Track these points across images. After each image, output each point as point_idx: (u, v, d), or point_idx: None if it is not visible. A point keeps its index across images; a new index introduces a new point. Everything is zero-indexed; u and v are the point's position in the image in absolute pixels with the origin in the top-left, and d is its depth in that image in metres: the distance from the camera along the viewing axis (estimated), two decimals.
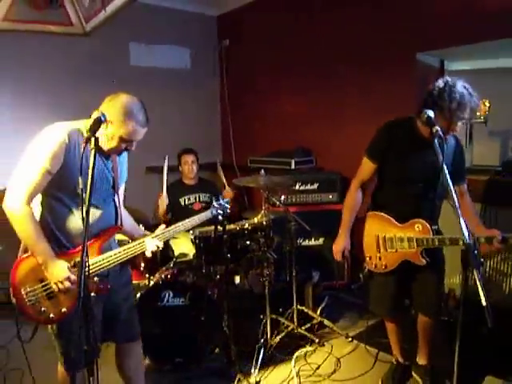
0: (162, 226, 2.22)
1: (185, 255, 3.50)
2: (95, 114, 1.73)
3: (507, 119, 3.65)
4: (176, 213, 3.92)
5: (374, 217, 2.57)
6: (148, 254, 2.15)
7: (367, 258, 2.59)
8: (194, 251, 3.31)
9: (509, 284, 3.23)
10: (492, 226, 3.15)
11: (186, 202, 4.05)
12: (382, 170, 2.54)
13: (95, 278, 1.97)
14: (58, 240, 1.95)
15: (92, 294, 1.89)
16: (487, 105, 3.41)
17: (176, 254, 3.54)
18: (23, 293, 1.92)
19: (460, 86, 2.20)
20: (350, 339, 3.36)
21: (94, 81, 4.58)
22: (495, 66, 3.78)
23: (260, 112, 5.31)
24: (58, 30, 3.10)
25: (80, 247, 1.84)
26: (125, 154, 2.20)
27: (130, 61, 5.08)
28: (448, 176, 1.77)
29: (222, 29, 5.73)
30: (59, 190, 1.90)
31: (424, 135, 2.31)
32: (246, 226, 3.33)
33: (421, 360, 2.79)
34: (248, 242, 3.30)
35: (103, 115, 1.74)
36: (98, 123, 1.70)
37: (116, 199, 2.14)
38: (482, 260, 1.60)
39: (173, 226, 2.26)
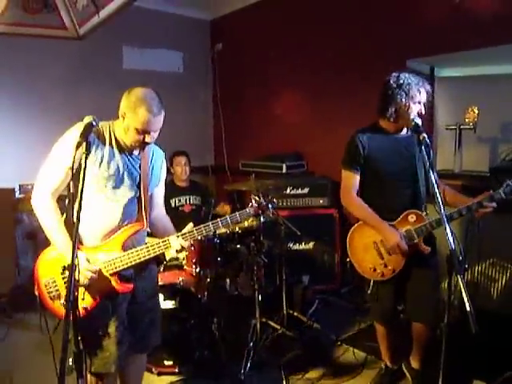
0: (191, 225, 2.07)
1: (175, 258, 3.51)
2: (87, 119, 1.75)
3: (496, 125, 3.69)
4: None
5: (362, 226, 2.52)
6: (172, 254, 2.07)
7: (370, 271, 2.48)
8: (184, 254, 3.32)
9: (497, 289, 3.27)
10: (481, 232, 3.22)
11: (177, 204, 4.06)
12: (362, 174, 2.53)
13: (115, 277, 1.97)
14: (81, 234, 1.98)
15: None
16: (476, 111, 3.47)
17: (167, 257, 3.54)
18: (44, 284, 1.96)
19: (403, 74, 2.40)
20: (339, 343, 3.38)
21: (87, 84, 4.60)
22: (484, 73, 3.83)
23: (252, 116, 5.34)
24: (51, 34, 3.11)
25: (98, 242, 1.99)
26: (162, 158, 2.24)
27: (123, 64, 5.09)
28: (435, 181, 1.80)
29: (215, 33, 5.76)
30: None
31: (390, 130, 2.44)
32: (237, 229, 3.35)
33: (413, 363, 2.79)
34: (238, 246, 3.32)
35: (94, 120, 1.77)
36: (89, 128, 1.72)
37: (142, 198, 2.09)
38: (467, 266, 1.63)
39: (201, 226, 2.05)
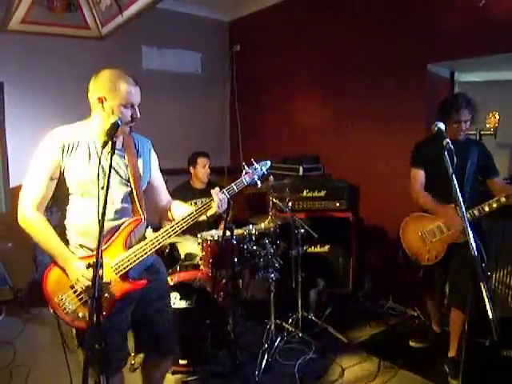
0: (217, 189, 2.08)
1: (191, 258, 3.53)
2: (112, 119, 1.75)
3: None
4: None
5: (412, 219, 3.06)
6: (214, 210, 2.04)
7: (421, 255, 2.97)
8: (200, 254, 3.34)
9: None
10: (499, 238, 3.20)
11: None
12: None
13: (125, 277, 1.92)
14: (82, 242, 1.95)
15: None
16: (497, 117, 3.43)
17: (182, 256, 3.56)
18: (57, 302, 1.90)
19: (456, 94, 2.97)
20: (353, 347, 3.36)
21: None
22: (505, 78, 3.79)
23: (269, 117, 5.34)
24: (74, 34, 3.15)
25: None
26: (147, 144, 2.17)
27: (142, 64, 5.13)
28: (457, 187, 1.78)
29: (234, 34, 5.78)
30: (74, 190, 1.90)
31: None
32: (254, 231, 3.35)
33: (450, 352, 2.94)
34: (255, 247, 3.32)
35: (120, 119, 1.77)
36: (115, 127, 1.71)
37: (134, 192, 2.01)
38: (489, 273, 1.62)
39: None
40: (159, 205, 2.24)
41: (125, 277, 1.92)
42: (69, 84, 4.48)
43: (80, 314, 1.88)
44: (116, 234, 1.94)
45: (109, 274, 1.87)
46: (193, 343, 2.98)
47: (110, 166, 1.61)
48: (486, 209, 2.67)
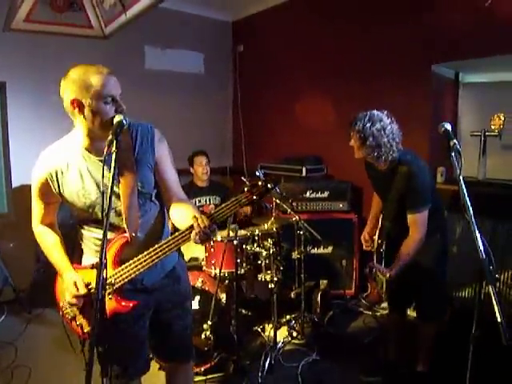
0: (212, 206, 1.94)
1: (195, 259, 3.51)
2: (117, 117, 1.62)
3: None
4: None
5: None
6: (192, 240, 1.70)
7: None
8: (203, 255, 3.33)
9: None
10: (504, 242, 3.18)
11: (197, 204, 4.07)
12: None
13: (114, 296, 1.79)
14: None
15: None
16: (502, 118, 3.40)
17: (186, 257, 3.54)
18: (61, 306, 1.92)
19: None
20: (356, 349, 3.34)
21: None
22: (510, 79, 3.77)
23: (272, 118, 5.33)
24: (77, 33, 3.14)
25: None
26: (147, 131, 1.87)
27: (145, 64, 5.12)
28: (464, 189, 1.76)
29: (237, 35, 5.77)
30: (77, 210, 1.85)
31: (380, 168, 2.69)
32: (257, 232, 3.34)
33: (419, 366, 2.85)
34: (258, 249, 3.30)
35: (125, 118, 1.63)
36: (120, 126, 1.59)
37: (123, 209, 1.78)
38: (497, 276, 1.59)
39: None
40: (167, 204, 1.95)
41: (116, 295, 1.80)
42: None
43: (78, 322, 1.87)
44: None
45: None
46: (196, 345, 2.95)
47: (115, 166, 1.52)
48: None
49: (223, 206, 1.68)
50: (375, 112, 2.58)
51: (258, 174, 1.83)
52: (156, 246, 1.74)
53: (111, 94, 1.66)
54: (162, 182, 1.91)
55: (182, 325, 2.10)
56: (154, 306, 2.00)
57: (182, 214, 1.81)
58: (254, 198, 1.68)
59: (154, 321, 2.02)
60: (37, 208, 1.94)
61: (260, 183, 1.68)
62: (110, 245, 1.78)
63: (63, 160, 1.78)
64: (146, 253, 1.75)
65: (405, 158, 2.58)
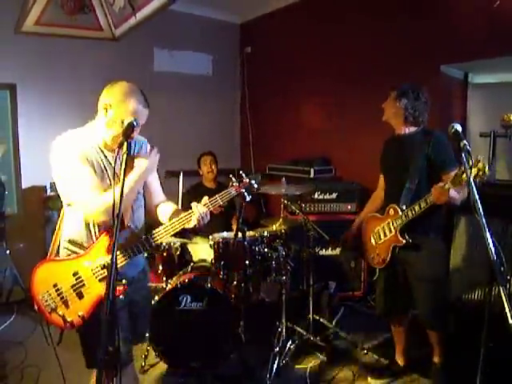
0: (205, 198, 2.06)
1: (203, 260, 3.52)
2: (128, 120, 1.73)
3: None
4: None
5: (367, 220, 2.91)
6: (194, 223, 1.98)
7: (372, 259, 2.82)
8: (212, 256, 3.33)
9: None
10: None
11: None
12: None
13: (123, 281, 1.88)
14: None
15: (121, 297, 1.87)
16: (511, 118, 3.38)
17: (194, 258, 3.55)
18: (40, 298, 1.94)
19: None
20: (364, 351, 3.33)
21: None
22: None
23: (280, 120, 5.33)
24: (88, 35, 3.17)
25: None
26: (141, 145, 2.08)
27: (154, 66, 5.15)
28: (475, 190, 1.75)
29: (245, 36, 5.79)
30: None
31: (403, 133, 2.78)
32: (265, 233, 3.34)
33: (435, 358, 2.81)
34: (266, 250, 3.30)
35: (135, 120, 1.74)
36: (130, 128, 1.69)
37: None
38: (508, 277, 1.58)
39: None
40: (154, 201, 2.19)
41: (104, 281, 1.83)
42: (81, 85, 4.51)
43: (60, 312, 1.91)
44: (97, 240, 1.93)
45: (89, 277, 1.91)
46: (204, 345, 2.98)
47: (125, 168, 1.59)
48: (416, 209, 2.47)
49: (217, 196, 2.05)
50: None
51: (241, 173, 2.17)
52: (160, 227, 1.97)
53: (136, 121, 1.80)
54: (148, 192, 2.16)
55: (147, 302, 2.33)
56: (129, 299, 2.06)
57: (169, 210, 2.12)
58: (243, 191, 2.10)
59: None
60: (90, 178, 1.85)
61: (245, 179, 2.09)
62: (102, 235, 1.91)
63: (86, 149, 1.88)
64: (149, 234, 1.96)
65: (429, 129, 2.72)
